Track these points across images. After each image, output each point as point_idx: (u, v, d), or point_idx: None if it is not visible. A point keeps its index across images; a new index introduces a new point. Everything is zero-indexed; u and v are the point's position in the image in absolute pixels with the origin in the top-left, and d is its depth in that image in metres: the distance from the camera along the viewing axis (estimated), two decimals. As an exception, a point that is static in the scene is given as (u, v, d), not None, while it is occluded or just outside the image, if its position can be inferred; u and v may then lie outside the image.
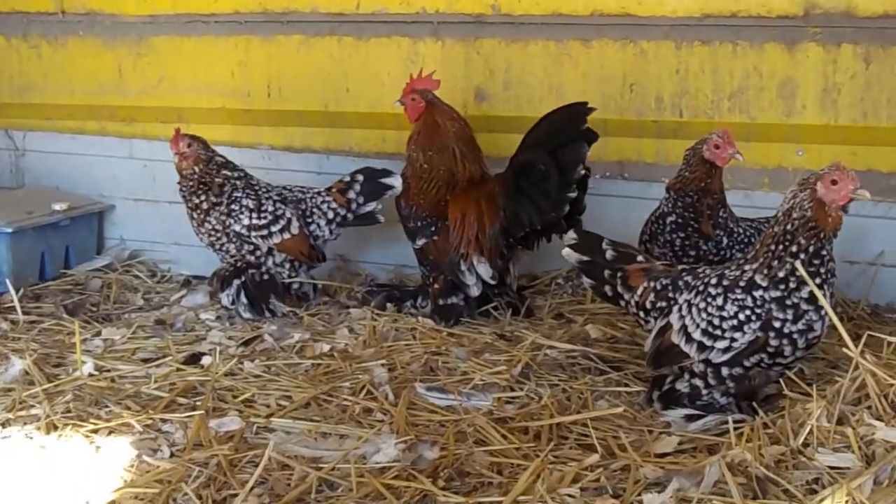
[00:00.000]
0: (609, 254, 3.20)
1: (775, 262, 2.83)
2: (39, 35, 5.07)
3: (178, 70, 4.84)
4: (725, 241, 3.59)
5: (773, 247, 2.85)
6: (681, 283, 3.05)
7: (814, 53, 3.99)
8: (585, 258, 3.24)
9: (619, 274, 3.17)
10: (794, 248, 2.81)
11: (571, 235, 3.29)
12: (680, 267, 3.17)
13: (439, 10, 4.40)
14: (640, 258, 3.21)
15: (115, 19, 4.89)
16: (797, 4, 3.96)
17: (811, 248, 2.79)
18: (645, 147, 4.26)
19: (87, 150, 5.05)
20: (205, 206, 4.03)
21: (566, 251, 3.28)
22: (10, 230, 4.40)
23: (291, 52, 4.64)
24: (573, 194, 3.72)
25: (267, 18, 4.64)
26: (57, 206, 4.68)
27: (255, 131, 4.77)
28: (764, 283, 2.82)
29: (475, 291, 3.92)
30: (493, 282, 3.92)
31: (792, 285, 2.79)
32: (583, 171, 3.71)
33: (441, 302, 3.95)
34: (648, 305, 3.10)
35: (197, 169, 4.03)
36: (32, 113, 5.18)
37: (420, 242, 4.01)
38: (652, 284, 3.10)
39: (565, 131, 3.73)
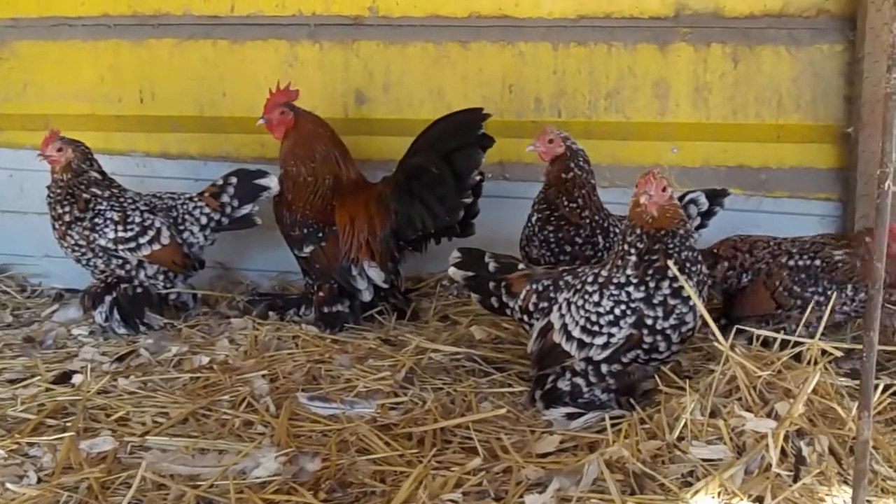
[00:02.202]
0: (492, 266, 3.23)
1: (619, 261, 2.90)
2: None
3: (44, 75, 4.65)
4: (602, 241, 3.63)
5: (617, 246, 2.95)
6: (561, 282, 3.08)
7: (685, 53, 4.10)
8: (470, 273, 3.26)
9: (502, 283, 3.19)
10: (625, 247, 2.89)
11: (455, 254, 3.31)
12: (561, 268, 3.20)
13: (316, 13, 4.34)
14: (521, 266, 3.24)
15: (-27, 23, 4.67)
16: (668, 5, 4.07)
17: (640, 245, 2.86)
18: (525, 148, 4.28)
19: (-53, 161, 4.80)
20: (67, 218, 3.85)
21: (452, 270, 3.29)
22: None
23: (164, 56, 4.51)
24: (468, 200, 3.74)
25: (137, 21, 4.50)
26: (-84, 221, 4.45)
27: (127, 138, 4.61)
28: (631, 281, 2.86)
29: (367, 296, 3.88)
30: (385, 286, 3.88)
31: (651, 283, 2.84)
32: (478, 177, 3.72)
33: (326, 310, 3.88)
34: (531, 308, 3.12)
35: (65, 177, 3.85)
36: None
37: (307, 250, 3.90)
38: (534, 287, 3.13)
39: (460, 136, 3.73)
